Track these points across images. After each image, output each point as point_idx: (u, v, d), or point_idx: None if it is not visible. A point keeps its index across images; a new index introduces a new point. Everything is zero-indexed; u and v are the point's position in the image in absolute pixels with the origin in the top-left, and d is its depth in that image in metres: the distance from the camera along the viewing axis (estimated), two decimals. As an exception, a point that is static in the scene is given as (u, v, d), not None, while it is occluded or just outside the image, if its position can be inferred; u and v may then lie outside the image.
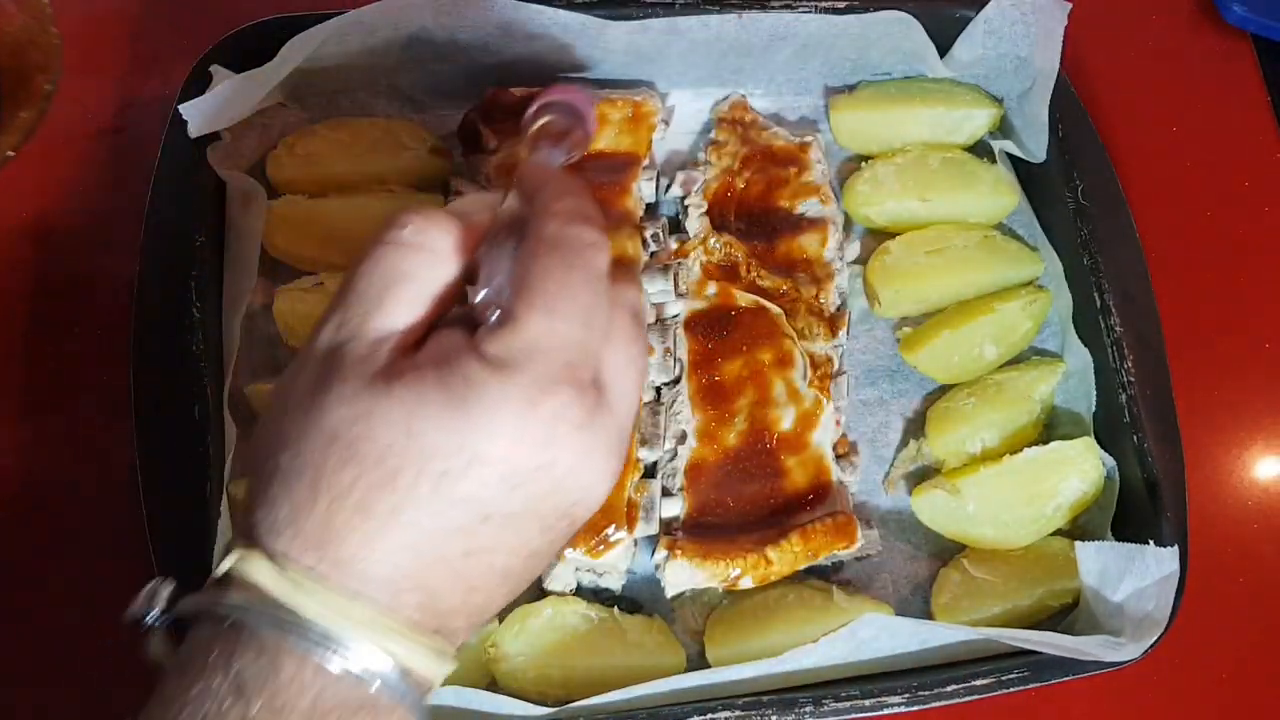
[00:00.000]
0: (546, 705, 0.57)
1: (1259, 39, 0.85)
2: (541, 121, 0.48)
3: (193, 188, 0.64)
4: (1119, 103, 0.81)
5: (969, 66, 0.75)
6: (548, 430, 0.37)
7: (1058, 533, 0.67)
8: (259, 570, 0.36)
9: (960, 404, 0.69)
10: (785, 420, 0.66)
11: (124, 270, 0.62)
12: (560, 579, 0.62)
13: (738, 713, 0.58)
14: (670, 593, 0.63)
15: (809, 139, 0.73)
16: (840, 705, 0.59)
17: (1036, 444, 0.67)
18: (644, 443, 0.63)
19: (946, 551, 0.68)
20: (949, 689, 0.60)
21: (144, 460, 0.58)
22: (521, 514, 0.38)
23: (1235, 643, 0.70)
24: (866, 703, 0.59)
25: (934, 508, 0.67)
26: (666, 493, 0.64)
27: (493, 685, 0.59)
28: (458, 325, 0.39)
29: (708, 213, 0.70)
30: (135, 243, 0.62)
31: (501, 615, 0.60)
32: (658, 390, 0.67)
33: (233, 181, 0.65)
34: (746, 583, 0.62)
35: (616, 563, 0.62)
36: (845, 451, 0.67)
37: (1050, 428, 0.71)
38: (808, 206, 0.72)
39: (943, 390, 0.71)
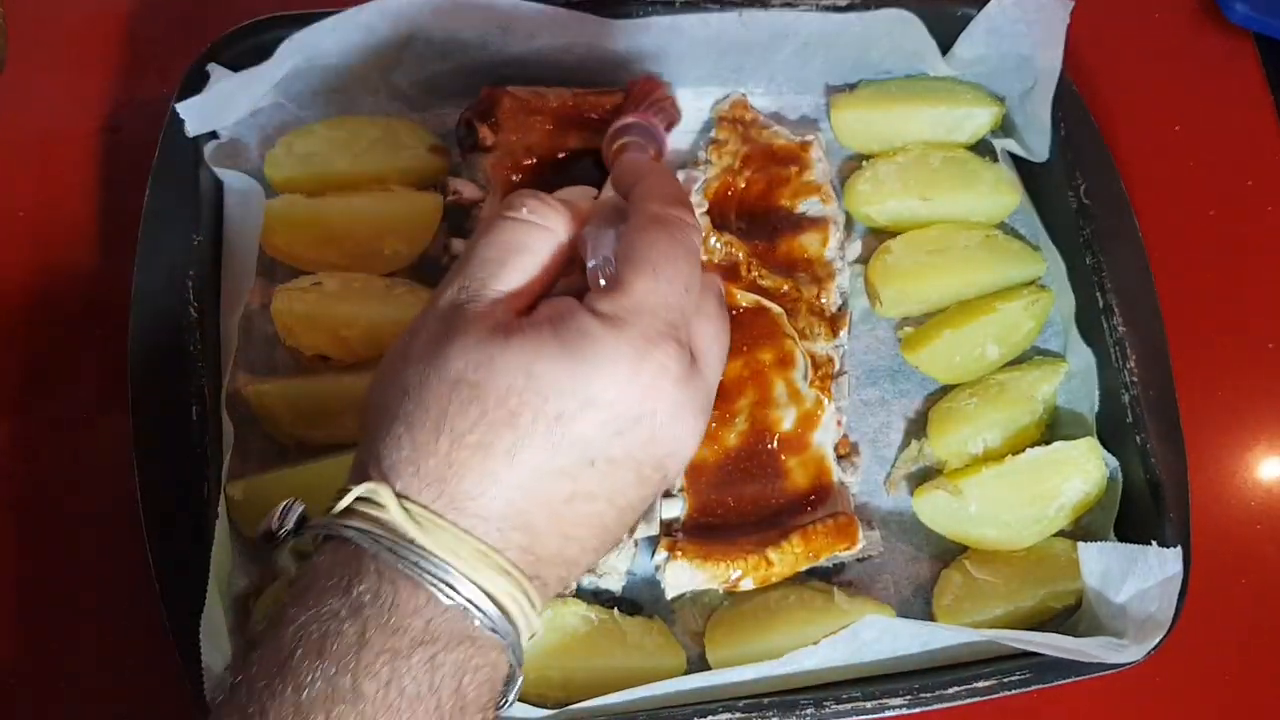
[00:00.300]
0: (546, 707, 0.57)
1: (1261, 38, 0.85)
2: (620, 142, 0.53)
3: (191, 187, 0.64)
4: (1121, 102, 0.81)
5: (971, 65, 0.75)
6: (653, 380, 0.41)
7: (1060, 534, 0.67)
8: (383, 503, 0.39)
9: (962, 404, 0.69)
10: (786, 420, 0.65)
11: (122, 270, 0.62)
12: (560, 580, 0.62)
13: (738, 715, 0.58)
14: (670, 594, 0.63)
15: (810, 138, 0.73)
16: (841, 707, 0.59)
17: (1039, 444, 0.67)
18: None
19: (948, 552, 0.67)
20: (950, 691, 0.60)
21: (141, 460, 0.58)
22: (623, 461, 0.41)
23: (1238, 644, 0.69)
24: (868, 705, 0.59)
25: (936, 508, 0.67)
26: (667, 493, 0.64)
27: (492, 687, 0.59)
28: (567, 294, 0.43)
29: (708, 212, 0.70)
30: (133, 242, 0.62)
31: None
32: (658, 390, 0.67)
33: (231, 181, 0.65)
34: (747, 584, 0.62)
35: (616, 564, 0.61)
36: (846, 452, 0.67)
37: (1052, 428, 0.71)
38: (809, 206, 0.71)
39: (944, 390, 0.71)
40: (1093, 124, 0.74)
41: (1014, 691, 0.61)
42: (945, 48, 0.74)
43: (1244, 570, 0.71)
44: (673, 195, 0.46)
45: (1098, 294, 0.69)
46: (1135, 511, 0.66)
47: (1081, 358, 0.69)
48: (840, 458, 0.66)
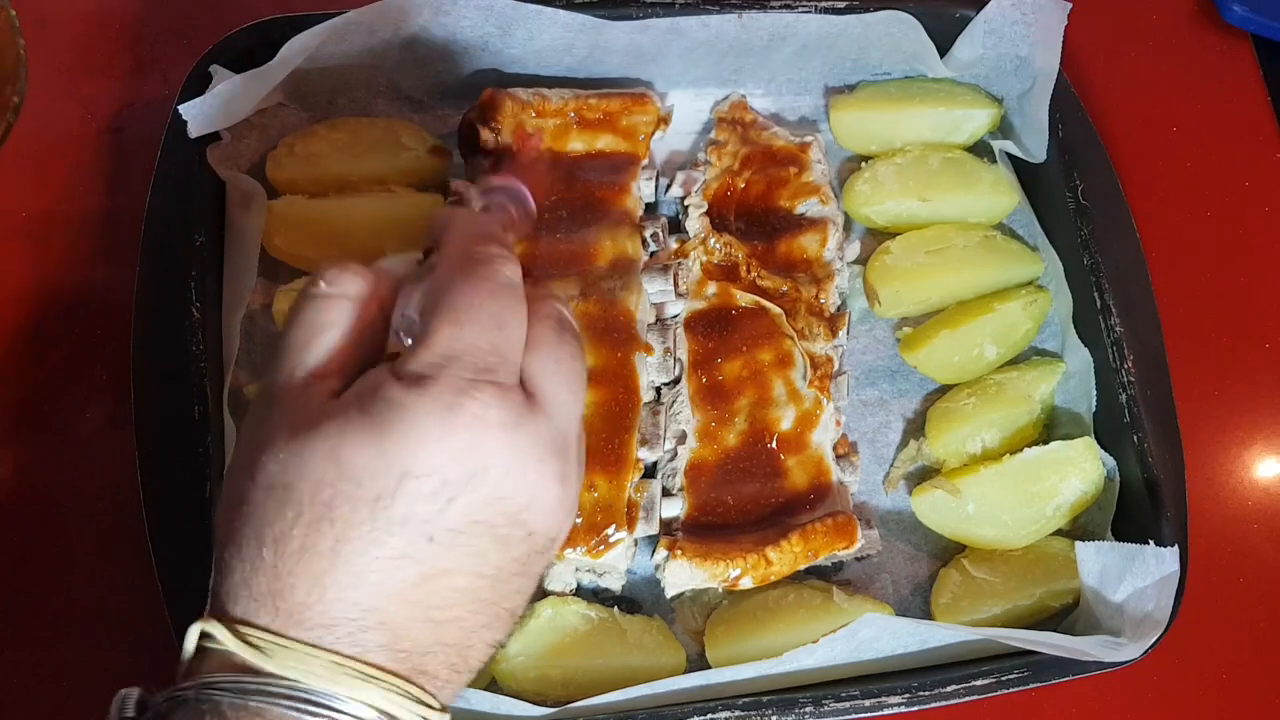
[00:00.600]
0: (546, 705, 0.57)
1: (1259, 39, 0.85)
2: (483, 203, 0.50)
3: (193, 188, 0.64)
4: (1119, 103, 0.81)
5: (969, 66, 0.75)
6: (471, 435, 0.37)
7: (1058, 533, 0.67)
8: (218, 640, 0.37)
9: (960, 404, 0.69)
10: (785, 420, 0.66)
11: (124, 270, 0.62)
12: (560, 579, 0.62)
13: (738, 713, 0.58)
14: (670, 593, 0.63)
15: (809, 139, 0.73)
16: (840, 705, 0.59)
17: (1037, 444, 0.67)
18: (644, 443, 0.63)
19: (947, 552, 0.68)
20: (949, 689, 0.60)
21: (144, 460, 0.58)
22: (467, 528, 0.38)
23: (1235, 643, 0.70)
24: (866, 703, 0.60)
25: (934, 508, 0.67)
26: (666, 493, 0.64)
27: (492, 685, 0.59)
28: (384, 364, 0.40)
29: (708, 213, 0.70)
30: (135, 243, 0.62)
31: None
32: (658, 390, 0.67)
33: (233, 181, 0.65)
34: (746, 583, 0.62)
35: (616, 563, 0.62)
36: (845, 451, 0.67)
37: (1050, 428, 0.71)
38: (808, 206, 0.72)
39: (943, 390, 0.71)
40: (1090, 125, 0.74)
41: (1012, 690, 0.61)
42: (944, 49, 0.75)
43: (1241, 569, 0.71)
44: (476, 233, 0.43)
45: (1095, 294, 0.70)
46: (1133, 511, 0.66)
47: (1079, 358, 0.70)
48: (839, 457, 0.66)
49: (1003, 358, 0.71)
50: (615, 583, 0.63)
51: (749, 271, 0.69)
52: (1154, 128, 0.82)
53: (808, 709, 0.59)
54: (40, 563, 0.62)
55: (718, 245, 0.69)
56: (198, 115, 0.63)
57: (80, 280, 0.68)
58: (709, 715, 0.58)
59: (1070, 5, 0.71)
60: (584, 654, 0.60)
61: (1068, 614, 0.66)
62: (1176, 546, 0.61)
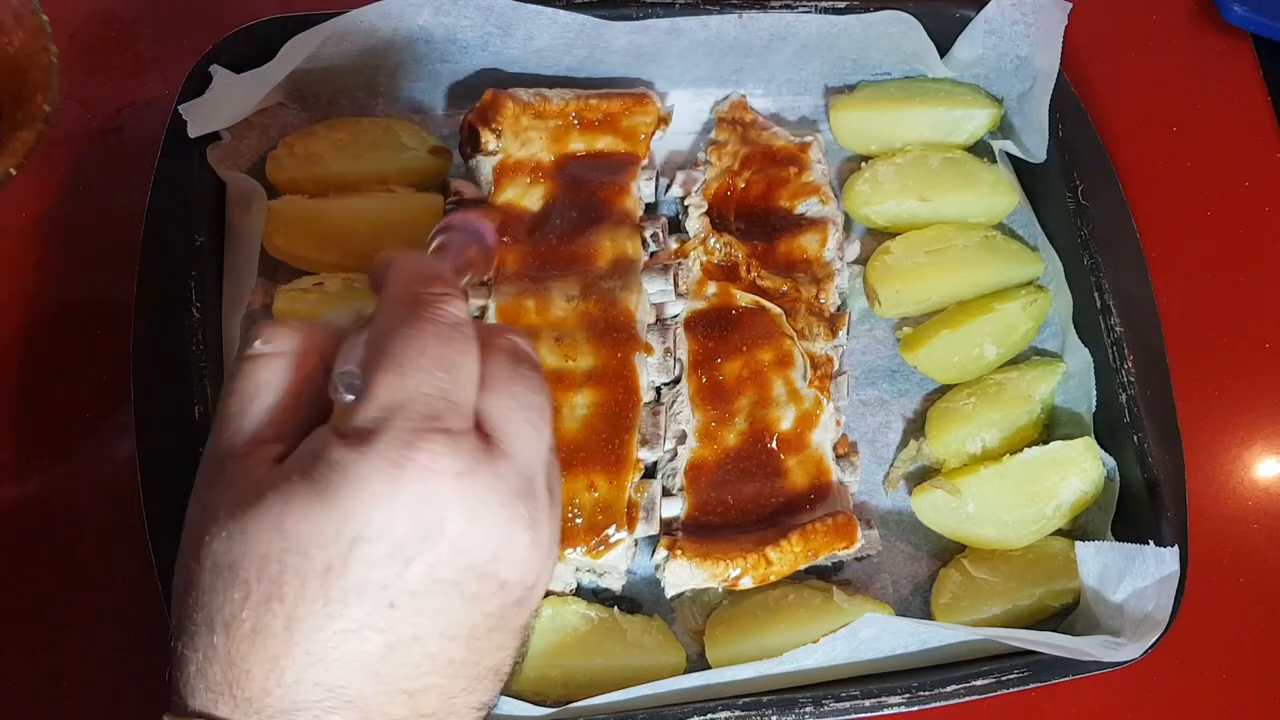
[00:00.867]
0: (546, 705, 0.57)
1: (1259, 39, 0.85)
2: (437, 242, 0.48)
3: (193, 188, 0.64)
4: (1119, 103, 0.81)
5: (969, 66, 0.75)
6: (423, 488, 0.35)
7: (1058, 533, 0.67)
8: None
9: (960, 404, 0.69)
10: (785, 420, 0.66)
11: (124, 270, 0.62)
12: (560, 579, 0.62)
13: (738, 713, 0.58)
14: (670, 593, 0.63)
15: (809, 139, 0.73)
16: (840, 705, 0.59)
17: (1037, 444, 0.68)
18: (644, 443, 0.63)
19: (947, 552, 0.68)
20: (949, 689, 0.60)
21: (144, 460, 0.58)
22: (430, 589, 0.36)
23: (1235, 643, 0.70)
24: (866, 703, 0.60)
25: (934, 508, 0.67)
26: (667, 493, 0.64)
27: (493, 685, 0.59)
28: (327, 425, 0.38)
29: (708, 213, 0.70)
30: (135, 242, 0.62)
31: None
32: (658, 390, 0.67)
33: (233, 181, 0.65)
34: (746, 583, 0.62)
35: (617, 563, 0.62)
36: (845, 451, 0.67)
37: (1050, 428, 0.71)
38: (808, 206, 0.72)
39: (943, 390, 0.71)
40: (1090, 125, 0.74)
41: (1012, 690, 0.61)
42: (944, 49, 0.75)
43: (1241, 569, 0.71)
44: (416, 274, 0.40)
45: (1095, 294, 0.70)
46: (1133, 511, 0.66)
47: (1079, 358, 0.70)
48: (839, 457, 0.66)
49: (1003, 358, 0.71)
50: (615, 583, 0.63)
51: (749, 271, 0.69)
52: (1154, 128, 0.82)
53: (808, 709, 0.59)
54: (40, 563, 0.62)
55: (718, 245, 0.69)
56: (198, 115, 0.63)
57: (80, 280, 0.68)
58: (709, 715, 0.58)
59: (1070, 5, 0.71)
60: (584, 654, 0.60)
61: (1068, 614, 0.66)
62: (1176, 546, 0.62)
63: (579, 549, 0.60)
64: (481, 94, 0.68)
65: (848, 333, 0.70)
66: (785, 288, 0.69)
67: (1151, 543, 0.62)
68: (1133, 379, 0.68)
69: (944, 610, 0.65)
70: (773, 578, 0.63)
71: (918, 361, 0.71)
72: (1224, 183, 0.81)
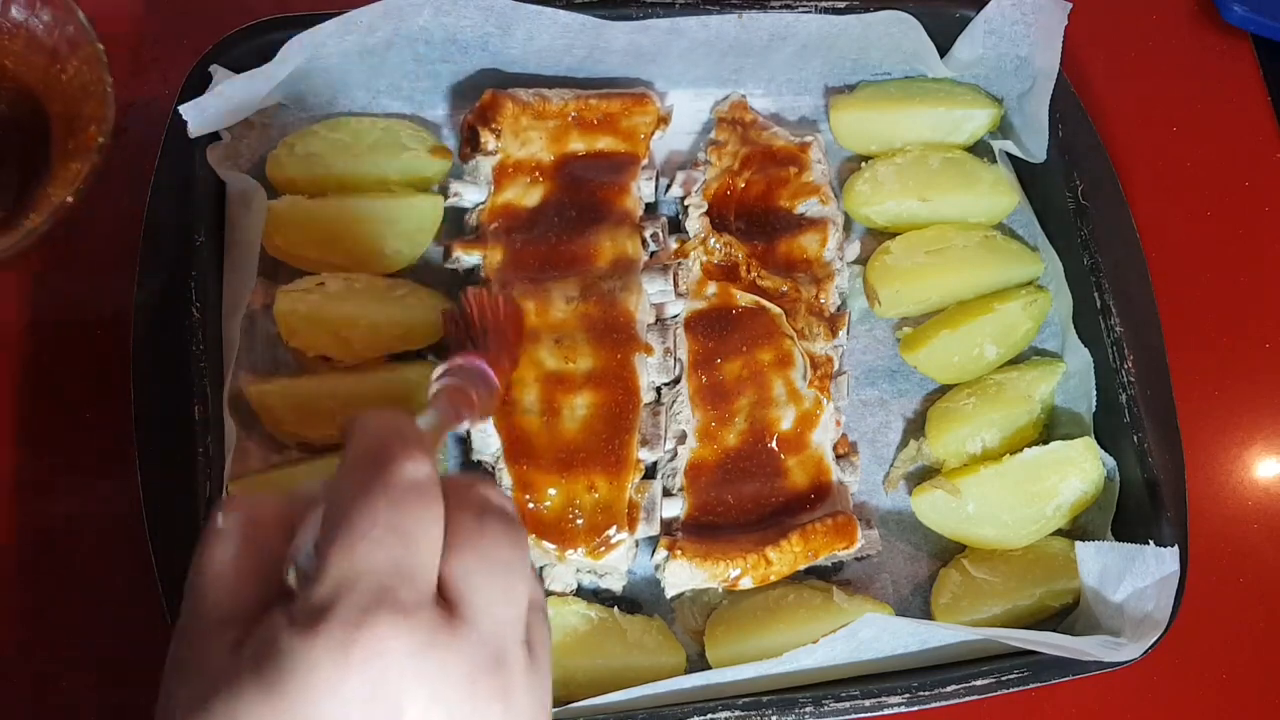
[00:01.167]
0: (546, 705, 0.57)
1: (1259, 39, 0.85)
2: (439, 386, 0.47)
3: (193, 188, 0.64)
4: (1119, 102, 0.81)
5: (969, 66, 0.75)
6: (374, 671, 0.32)
7: (1058, 533, 0.67)
8: None
9: (960, 404, 0.69)
10: (785, 420, 0.66)
11: (124, 270, 0.62)
12: (560, 579, 0.62)
13: (738, 713, 0.58)
14: (670, 593, 0.63)
15: (809, 139, 0.73)
16: (840, 705, 0.59)
17: (1036, 444, 0.68)
18: (644, 443, 0.63)
19: (947, 552, 0.68)
20: (949, 689, 0.60)
21: (144, 460, 0.58)
22: None
23: (1235, 643, 0.70)
24: (866, 703, 0.60)
25: (934, 508, 0.67)
26: (667, 493, 0.64)
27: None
28: (278, 607, 0.35)
29: (708, 213, 0.70)
30: (135, 243, 0.62)
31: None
32: (658, 390, 0.67)
33: (233, 181, 0.65)
34: (746, 583, 0.62)
35: (617, 564, 0.62)
36: (845, 451, 0.67)
37: (1050, 428, 0.71)
38: (808, 206, 0.72)
39: (943, 390, 0.71)
40: (1090, 125, 0.74)
41: (1012, 690, 0.61)
42: (944, 49, 0.75)
43: (1241, 569, 0.71)
44: (374, 432, 0.37)
45: (1095, 294, 0.70)
46: (1132, 511, 0.66)
47: (1079, 358, 0.70)
48: (839, 457, 0.67)
49: (1003, 358, 0.71)
50: (616, 583, 0.63)
51: (749, 271, 0.69)
52: (1154, 128, 0.82)
53: (808, 709, 0.59)
54: (39, 562, 0.62)
55: (718, 245, 0.69)
56: (198, 115, 0.63)
57: (80, 280, 0.68)
58: (709, 715, 0.58)
59: (1070, 5, 0.71)
60: (584, 654, 0.60)
61: (1068, 614, 0.66)
62: (1176, 546, 0.62)
63: (579, 550, 0.60)
64: (481, 94, 0.68)
65: (848, 333, 0.70)
66: (785, 288, 0.69)
67: (1151, 543, 0.62)
68: (1133, 379, 0.68)
69: (944, 610, 0.65)
70: (773, 578, 0.63)
71: (918, 361, 0.71)
72: (1224, 183, 0.81)
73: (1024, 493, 0.66)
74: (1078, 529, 0.68)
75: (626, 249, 0.67)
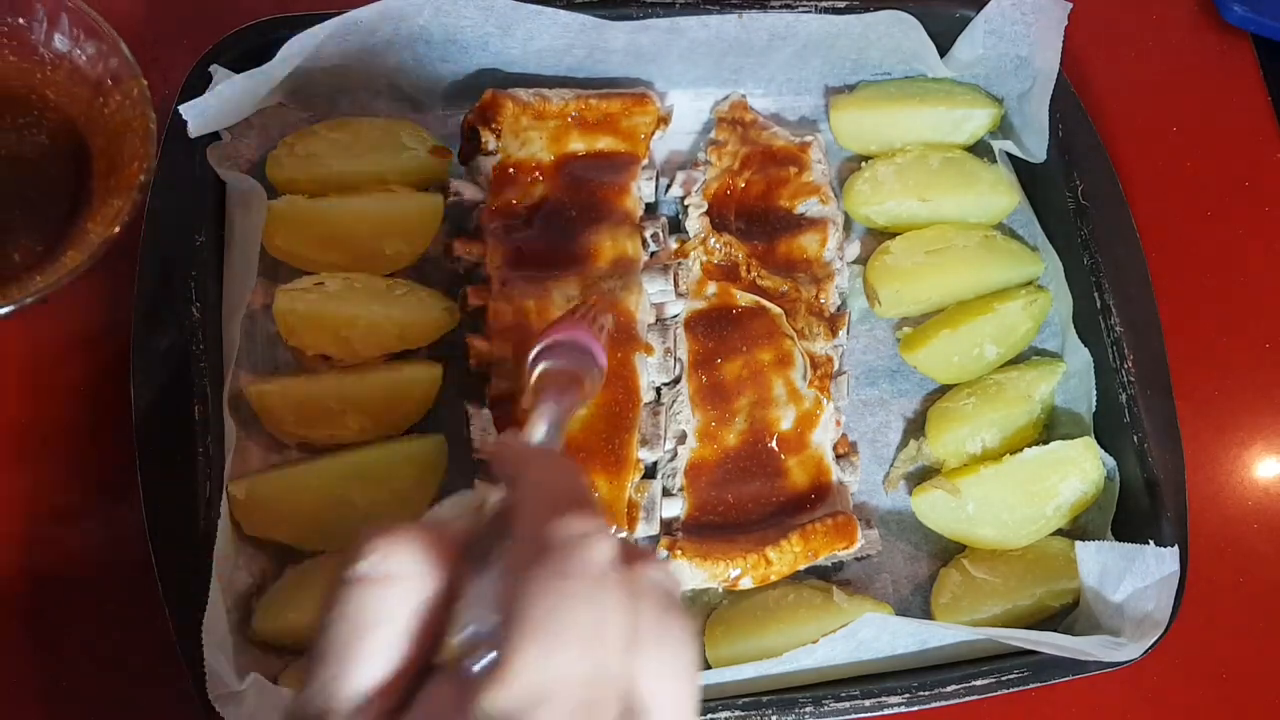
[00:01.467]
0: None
1: (1259, 39, 0.85)
2: (542, 369, 0.42)
3: (193, 188, 0.64)
4: (1119, 103, 0.81)
5: (969, 66, 0.75)
6: None
7: (1058, 533, 0.67)
8: None
9: (960, 404, 0.69)
10: (785, 420, 0.66)
11: (124, 270, 0.62)
12: (560, 579, 0.62)
13: (737, 713, 0.58)
14: (670, 593, 0.63)
15: (809, 139, 0.73)
16: (840, 705, 0.59)
17: (1036, 444, 0.68)
18: (644, 443, 0.63)
19: (947, 551, 0.68)
20: (949, 689, 0.60)
21: (144, 460, 0.58)
22: None
23: (1235, 642, 0.70)
24: (866, 703, 0.60)
25: (934, 508, 0.67)
26: (667, 493, 0.64)
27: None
28: (449, 673, 0.33)
29: (708, 213, 0.70)
30: (135, 243, 0.62)
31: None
32: (658, 390, 0.67)
33: (233, 181, 0.65)
34: (746, 583, 0.62)
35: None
36: (845, 451, 0.67)
37: (1050, 428, 0.71)
38: (808, 206, 0.72)
39: (943, 390, 0.71)
40: (1090, 125, 0.74)
41: (1012, 689, 0.61)
42: (944, 49, 0.75)
43: (1241, 569, 0.71)
44: (556, 498, 0.34)
45: (1095, 294, 0.70)
46: (1133, 511, 0.66)
47: (1079, 358, 0.70)
48: (839, 457, 0.67)
49: (1003, 358, 0.71)
50: (615, 583, 0.63)
51: (749, 271, 0.69)
52: (1154, 128, 0.82)
53: (808, 709, 0.59)
54: (40, 563, 0.62)
55: (718, 245, 0.69)
56: (198, 115, 0.63)
57: (79, 280, 0.68)
58: (709, 715, 0.58)
59: (1070, 5, 0.71)
60: (584, 654, 0.60)
61: (1068, 614, 0.66)
62: (1176, 546, 0.62)
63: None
64: (481, 94, 0.68)
65: (848, 333, 0.70)
66: (785, 288, 0.69)
67: (1151, 543, 0.62)
68: (1133, 379, 0.68)
69: (944, 610, 0.65)
70: (773, 578, 0.63)
71: (918, 361, 0.71)
72: (1224, 183, 0.81)
73: (1024, 493, 0.66)
74: (1078, 529, 0.68)
75: (626, 249, 0.67)
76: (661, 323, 0.67)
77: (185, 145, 0.64)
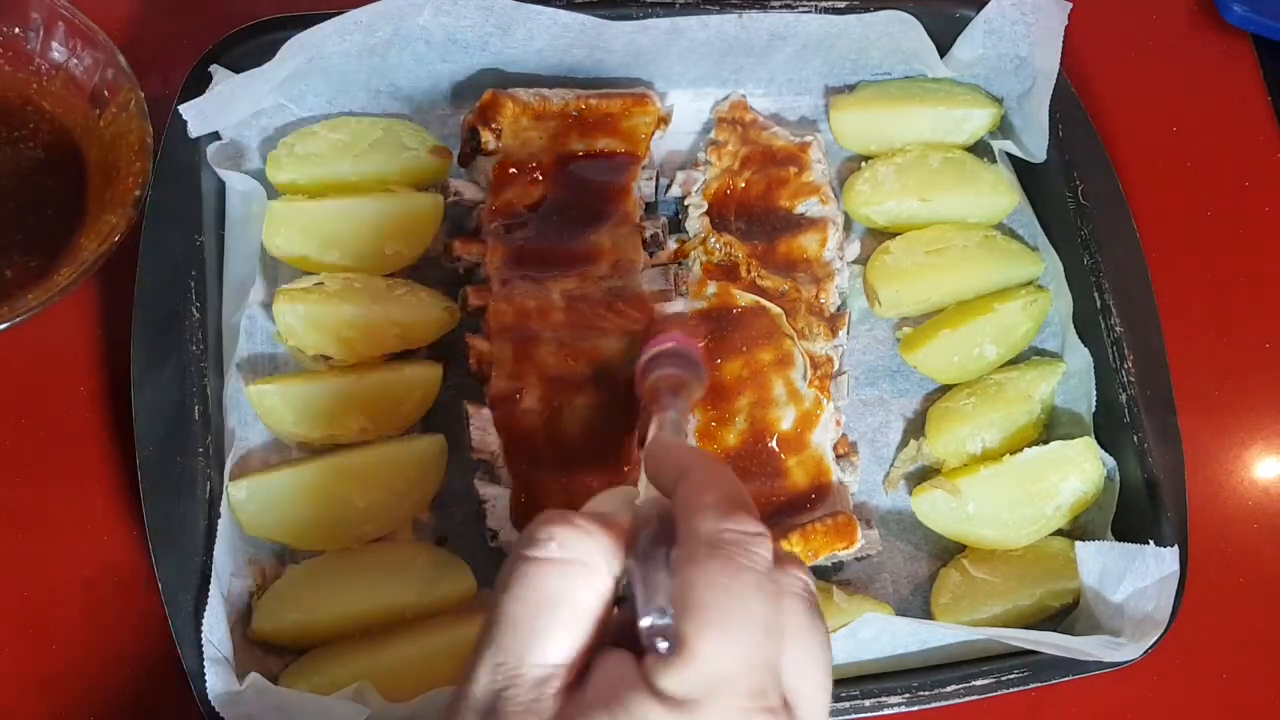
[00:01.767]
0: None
1: (1259, 39, 0.85)
2: (656, 375, 0.47)
3: (193, 188, 0.64)
4: (1119, 102, 0.81)
5: (969, 66, 0.75)
6: None
7: (1058, 533, 0.67)
8: None
9: (960, 404, 0.69)
10: (785, 420, 0.66)
11: (124, 271, 0.62)
12: (560, 579, 0.62)
13: (738, 713, 0.58)
14: (670, 593, 0.63)
15: (809, 139, 0.73)
16: (840, 705, 0.59)
17: (1036, 444, 0.68)
18: (644, 443, 0.63)
19: (947, 551, 0.68)
20: (949, 689, 0.60)
21: (144, 461, 0.58)
22: None
23: (1235, 643, 0.70)
24: (866, 703, 0.60)
25: (934, 508, 0.67)
26: (666, 493, 0.64)
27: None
28: (623, 648, 0.35)
29: (708, 213, 0.70)
30: (135, 243, 0.62)
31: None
32: (658, 390, 0.67)
33: (233, 181, 0.65)
34: (746, 583, 0.62)
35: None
36: (845, 451, 0.67)
37: (1050, 428, 0.71)
38: (808, 206, 0.72)
39: (943, 390, 0.71)
40: (1090, 125, 0.74)
41: (1012, 690, 0.61)
42: (944, 49, 0.75)
43: (1241, 569, 0.71)
44: (726, 500, 0.37)
45: (1095, 294, 0.70)
46: (1132, 511, 0.66)
47: (1079, 358, 0.70)
48: (839, 457, 0.67)
49: (1003, 358, 0.71)
50: (615, 583, 0.63)
51: (749, 271, 0.69)
52: (1154, 128, 0.82)
53: (808, 709, 0.59)
54: (39, 563, 0.62)
55: (718, 245, 0.69)
56: (198, 115, 0.63)
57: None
58: (709, 715, 0.58)
59: (1070, 5, 0.71)
60: (584, 654, 0.60)
61: (1068, 614, 0.66)
62: (1176, 546, 0.62)
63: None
64: (481, 94, 0.68)
65: (848, 333, 0.70)
66: (785, 288, 0.69)
67: (1151, 543, 0.62)
68: (1132, 379, 0.68)
69: (944, 610, 0.65)
70: (773, 578, 0.63)
71: (918, 361, 0.71)
72: (1224, 183, 0.81)
73: (1024, 493, 0.66)
74: (1078, 529, 0.68)
75: (626, 249, 0.67)
76: (661, 323, 0.67)
77: (186, 145, 0.64)
